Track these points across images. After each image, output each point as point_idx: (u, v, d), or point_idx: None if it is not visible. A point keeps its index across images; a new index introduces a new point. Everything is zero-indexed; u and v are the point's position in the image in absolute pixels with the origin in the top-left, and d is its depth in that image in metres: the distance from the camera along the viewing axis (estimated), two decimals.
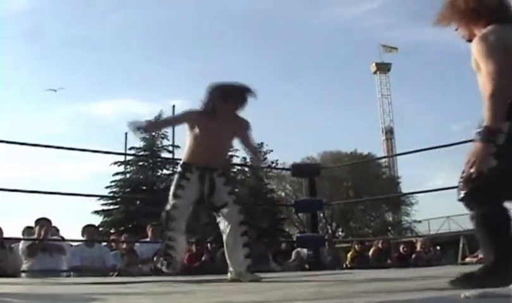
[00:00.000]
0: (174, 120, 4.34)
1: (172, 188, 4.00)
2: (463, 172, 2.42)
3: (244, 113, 4.13)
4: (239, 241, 3.91)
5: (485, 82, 2.36)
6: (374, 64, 49.04)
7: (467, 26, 2.56)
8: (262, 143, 28.93)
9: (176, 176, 4.08)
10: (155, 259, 6.66)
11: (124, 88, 53.69)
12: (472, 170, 2.34)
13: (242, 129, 4.12)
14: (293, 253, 7.61)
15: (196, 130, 3.99)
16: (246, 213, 4.14)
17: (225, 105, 3.97)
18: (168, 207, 3.92)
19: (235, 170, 27.57)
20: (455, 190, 2.51)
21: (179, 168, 4.10)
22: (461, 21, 2.59)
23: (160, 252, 4.24)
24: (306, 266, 6.91)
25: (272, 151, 29.01)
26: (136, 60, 55.56)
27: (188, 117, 4.11)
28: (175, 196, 3.93)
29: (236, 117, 4.08)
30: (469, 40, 2.59)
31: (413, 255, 8.43)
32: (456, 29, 2.63)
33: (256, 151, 4.82)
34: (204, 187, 3.95)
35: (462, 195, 2.43)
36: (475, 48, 2.43)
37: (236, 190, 4.21)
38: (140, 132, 4.17)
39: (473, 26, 2.54)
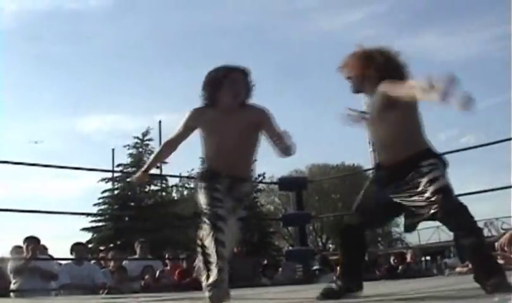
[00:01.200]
0: (182, 134, 3.17)
1: (204, 201, 2.96)
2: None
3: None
4: None
5: None
6: None
7: (362, 80, 2.80)
8: None
9: (201, 190, 3.02)
10: (147, 276, 6.65)
11: (111, 102, 53.43)
12: None
13: (261, 120, 3.12)
14: (282, 265, 7.62)
15: (204, 132, 3.14)
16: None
17: (222, 93, 3.06)
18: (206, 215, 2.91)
19: None
20: None
21: (201, 181, 3.05)
22: (360, 74, 2.86)
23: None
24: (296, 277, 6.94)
25: (255, 160, 28.77)
26: (122, 75, 55.44)
27: (191, 121, 3.17)
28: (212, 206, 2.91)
29: (248, 106, 3.13)
30: (357, 91, 2.97)
31: (400, 267, 8.46)
32: (348, 78, 2.87)
33: (281, 137, 3.01)
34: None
35: None
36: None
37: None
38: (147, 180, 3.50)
39: (368, 81, 2.82)
